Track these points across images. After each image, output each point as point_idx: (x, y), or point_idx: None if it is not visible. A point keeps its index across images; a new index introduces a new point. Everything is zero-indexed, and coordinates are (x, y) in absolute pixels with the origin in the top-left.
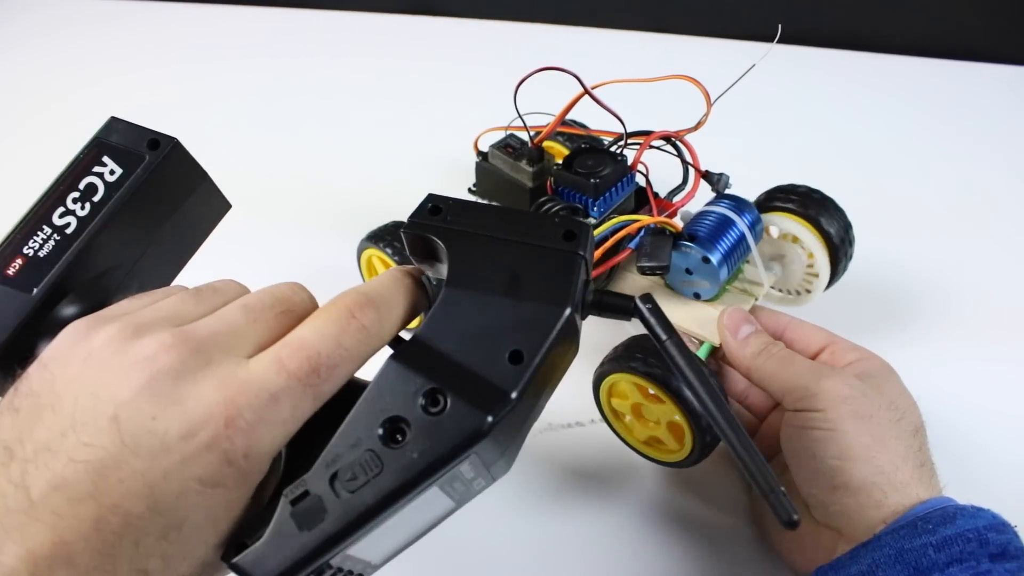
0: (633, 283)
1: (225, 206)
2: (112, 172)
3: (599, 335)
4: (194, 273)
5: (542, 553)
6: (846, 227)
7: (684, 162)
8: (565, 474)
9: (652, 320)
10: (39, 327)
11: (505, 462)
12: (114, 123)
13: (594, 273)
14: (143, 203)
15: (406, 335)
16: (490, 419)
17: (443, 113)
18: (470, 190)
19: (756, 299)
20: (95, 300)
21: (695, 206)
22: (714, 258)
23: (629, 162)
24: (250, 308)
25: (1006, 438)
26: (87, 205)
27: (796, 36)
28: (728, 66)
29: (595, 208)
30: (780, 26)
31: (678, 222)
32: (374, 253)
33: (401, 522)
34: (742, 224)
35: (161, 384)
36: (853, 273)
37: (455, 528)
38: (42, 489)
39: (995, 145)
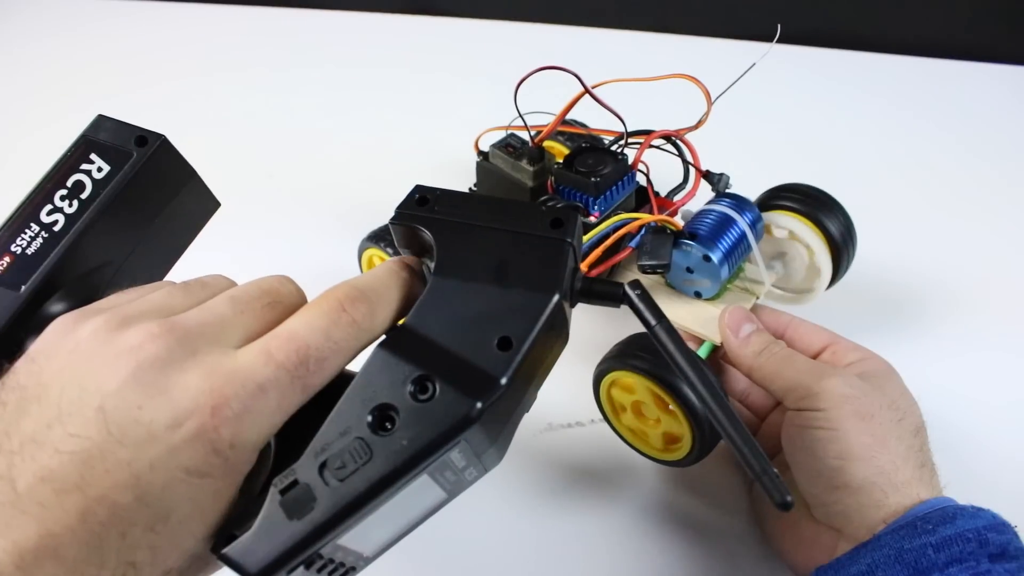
0: None
1: (214, 204)
2: (100, 169)
3: (599, 335)
4: (194, 273)
5: (542, 553)
6: (848, 226)
7: (685, 161)
8: (565, 474)
9: (641, 306)
10: (27, 324)
11: (496, 451)
12: (102, 120)
13: (596, 271)
14: (131, 200)
15: None
16: (479, 405)
17: (444, 113)
18: (471, 189)
19: (757, 298)
20: (83, 297)
21: (695, 205)
22: (715, 256)
23: (630, 161)
24: (237, 299)
25: (1006, 438)
26: (75, 202)
27: (796, 36)
28: (728, 66)
29: (596, 207)
30: (780, 26)
31: (679, 221)
32: (375, 252)
33: (392, 512)
34: (743, 222)
35: (147, 374)
36: (854, 272)
37: (455, 528)
38: (28, 481)
39: (995, 145)
